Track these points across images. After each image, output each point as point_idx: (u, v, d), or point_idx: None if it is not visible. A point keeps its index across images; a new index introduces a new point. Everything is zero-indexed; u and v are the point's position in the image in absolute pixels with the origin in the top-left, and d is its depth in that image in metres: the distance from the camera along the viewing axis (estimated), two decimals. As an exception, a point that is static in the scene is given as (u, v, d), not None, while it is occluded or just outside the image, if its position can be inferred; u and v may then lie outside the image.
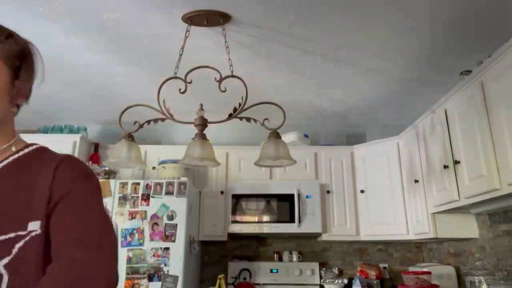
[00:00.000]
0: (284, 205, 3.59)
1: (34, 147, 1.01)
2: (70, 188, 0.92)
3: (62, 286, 0.81)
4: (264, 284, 3.73)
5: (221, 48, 2.57)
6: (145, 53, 2.71)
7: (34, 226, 0.87)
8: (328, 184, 3.73)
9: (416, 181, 3.19)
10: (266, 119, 2.21)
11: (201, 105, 2.32)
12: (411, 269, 3.43)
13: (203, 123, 2.23)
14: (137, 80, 3.13)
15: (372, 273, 3.59)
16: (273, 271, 3.77)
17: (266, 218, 3.57)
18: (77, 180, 0.94)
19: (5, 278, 0.81)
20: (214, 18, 2.28)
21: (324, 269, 3.75)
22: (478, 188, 2.33)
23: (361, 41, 2.57)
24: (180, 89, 2.14)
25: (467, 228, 2.98)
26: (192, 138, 2.25)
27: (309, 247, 3.94)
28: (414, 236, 3.30)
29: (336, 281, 3.53)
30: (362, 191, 3.65)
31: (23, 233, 0.87)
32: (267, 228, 3.56)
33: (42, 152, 1.01)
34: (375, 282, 3.53)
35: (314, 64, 2.87)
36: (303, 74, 3.04)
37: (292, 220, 3.53)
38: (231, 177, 3.73)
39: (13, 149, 0.98)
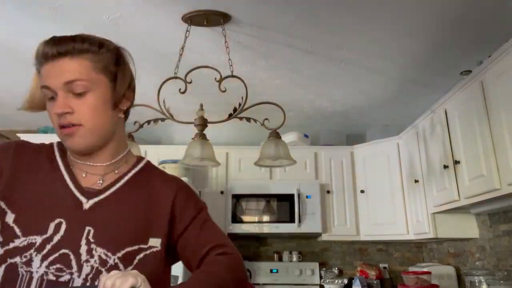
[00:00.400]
0: (284, 205, 3.59)
1: (145, 161, 1.08)
2: (196, 212, 1.03)
3: (224, 268, 0.93)
4: (264, 284, 3.73)
5: (221, 48, 2.57)
6: (145, 53, 2.71)
7: (155, 243, 0.96)
8: (328, 184, 3.73)
9: (416, 181, 3.19)
10: (266, 119, 2.21)
11: (201, 105, 2.32)
12: (411, 269, 3.44)
13: (203, 123, 2.23)
14: (137, 80, 3.12)
15: (372, 273, 3.59)
16: (273, 271, 3.77)
17: (266, 218, 3.57)
18: (198, 205, 1.06)
19: None
20: (214, 18, 2.28)
21: (324, 269, 3.75)
22: (478, 188, 2.33)
23: (361, 41, 2.57)
24: (180, 89, 2.14)
25: (467, 228, 2.98)
26: (192, 138, 2.25)
27: (309, 247, 3.94)
28: (414, 236, 3.30)
29: (336, 281, 3.53)
30: (362, 191, 3.65)
31: (145, 246, 0.94)
32: (267, 228, 3.56)
33: (152, 167, 1.09)
34: (375, 282, 3.53)
35: (314, 64, 2.87)
36: (303, 74, 3.04)
37: (292, 220, 3.53)
38: (231, 177, 3.73)
39: (126, 162, 1.03)
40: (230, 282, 0.92)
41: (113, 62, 0.99)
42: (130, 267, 0.89)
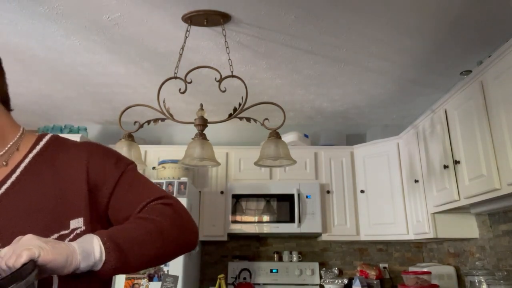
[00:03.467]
0: (284, 205, 3.59)
1: (47, 138, 0.94)
2: (119, 175, 0.91)
3: (168, 219, 0.86)
4: (264, 284, 3.73)
5: (221, 48, 2.57)
6: (145, 53, 2.71)
7: (77, 224, 0.85)
8: (328, 184, 3.73)
9: (416, 181, 3.19)
10: (266, 119, 2.21)
11: (201, 105, 2.32)
12: (411, 269, 3.43)
13: (203, 123, 2.23)
14: (137, 80, 3.13)
15: (372, 273, 3.59)
16: (273, 271, 3.77)
17: (266, 218, 3.57)
18: (119, 166, 0.93)
19: (55, 280, 0.77)
20: (214, 18, 2.28)
21: (324, 269, 3.75)
22: (478, 188, 2.33)
23: (361, 41, 2.57)
24: (180, 89, 2.14)
25: (467, 228, 2.98)
26: (192, 138, 2.25)
27: (309, 247, 3.94)
28: (414, 236, 3.30)
29: (336, 281, 3.53)
30: (362, 191, 3.65)
31: (66, 231, 0.84)
32: (267, 228, 3.56)
33: (57, 141, 0.95)
34: (375, 282, 3.53)
35: (314, 64, 2.87)
36: (303, 74, 3.04)
37: (292, 220, 3.53)
38: (231, 177, 3.73)
39: (18, 149, 0.90)
40: (172, 229, 0.85)
41: None
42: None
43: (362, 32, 2.46)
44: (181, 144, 3.76)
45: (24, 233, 0.75)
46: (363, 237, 3.60)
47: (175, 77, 2.21)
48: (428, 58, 2.79)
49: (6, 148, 0.88)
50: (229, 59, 2.35)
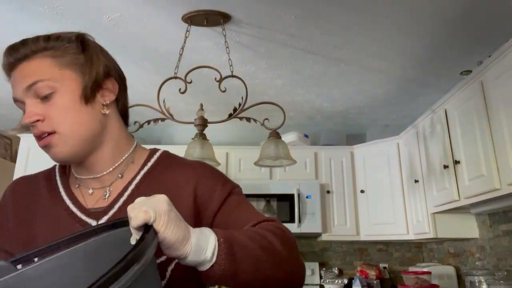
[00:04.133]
0: (284, 205, 3.59)
1: (158, 154, 0.93)
2: (224, 197, 0.87)
3: (280, 240, 0.77)
4: (264, 284, 3.73)
5: (221, 48, 2.57)
6: (145, 53, 2.71)
7: None
8: (328, 184, 3.73)
9: (416, 181, 3.19)
10: (266, 119, 2.21)
11: (201, 105, 2.32)
12: (411, 269, 3.44)
13: (203, 123, 2.23)
14: (137, 80, 3.13)
15: (372, 273, 3.59)
16: (273, 271, 3.77)
17: (266, 218, 3.57)
18: (225, 188, 0.89)
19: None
20: (214, 18, 2.28)
21: (324, 269, 3.75)
22: (478, 188, 2.33)
23: (361, 41, 2.57)
24: (180, 89, 2.14)
25: (467, 228, 2.98)
26: (192, 138, 2.25)
27: (309, 247, 3.94)
28: (414, 236, 3.30)
29: (336, 281, 3.53)
30: (362, 191, 3.65)
31: None
32: (267, 228, 3.55)
33: (167, 158, 0.93)
34: (375, 282, 3.53)
35: (314, 64, 2.87)
36: (303, 74, 3.04)
37: (292, 220, 3.53)
38: (231, 177, 3.72)
39: (133, 162, 0.89)
40: (284, 253, 0.76)
41: (78, 53, 0.83)
42: (164, 282, 0.78)
43: (362, 32, 2.46)
44: (181, 144, 3.76)
45: None
46: (363, 237, 3.60)
47: (175, 77, 2.21)
48: (428, 58, 2.79)
49: (121, 160, 0.88)
50: (229, 59, 2.35)
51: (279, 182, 3.70)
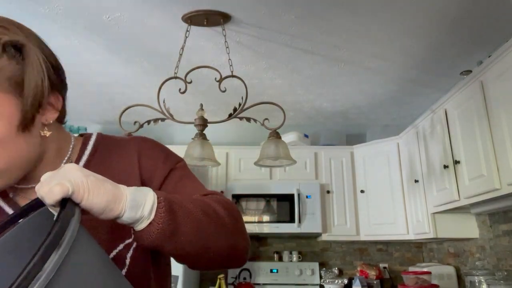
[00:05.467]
0: (284, 205, 3.59)
1: (94, 138, 0.86)
2: (168, 170, 0.83)
3: (224, 209, 0.74)
4: (264, 284, 3.73)
5: (221, 48, 2.57)
6: (145, 53, 2.71)
7: None
8: (328, 184, 3.73)
9: (416, 181, 3.19)
10: (266, 119, 2.21)
11: (201, 105, 2.32)
12: (411, 269, 3.44)
13: (203, 123, 2.23)
14: (137, 80, 3.13)
15: (372, 273, 3.59)
16: (273, 271, 3.77)
17: (266, 218, 3.57)
18: (169, 160, 0.85)
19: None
20: (214, 18, 2.28)
21: (324, 269, 3.75)
22: (478, 188, 2.33)
23: (361, 41, 2.57)
24: (180, 89, 2.14)
25: (467, 228, 2.98)
26: (192, 138, 2.25)
27: (309, 247, 3.94)
28: (414, 236, 3.30)
29: (336, 281, 3.53)
30: (362, 191, 3.65)
31: (130, 240, 0.77)
32: (267, 228, 3.56)
33: (103, 141, 0.86)
34: (375, 282, 3.53)
35: (314, 64, 2.87)
36: (303, 74, 3.04)
37: (292, 220, 3.53)
38: (231, 177, 3.73)
39: (70, 158, 0.81)
40: (226, 218, 0.73)
41: (12, 67, 0.65)
42: (124, 270, 0.74)
43: (362, 32, 2.46)
44: (181, 144, 3.76)
45: None
46: (363, 237, 3.60)
47: (175, 77, 2.21)
48: (428, 58, 2.79)
49: (65, 160, 0.80)
50: (229, 59, 2.35)
51: (279, 182, 3.71)
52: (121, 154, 0.84)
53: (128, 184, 0.68)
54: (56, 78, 0.75)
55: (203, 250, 0.69)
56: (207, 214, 0.70)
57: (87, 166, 0.80)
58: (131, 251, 0.76)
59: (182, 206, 0.66)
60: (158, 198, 0.63)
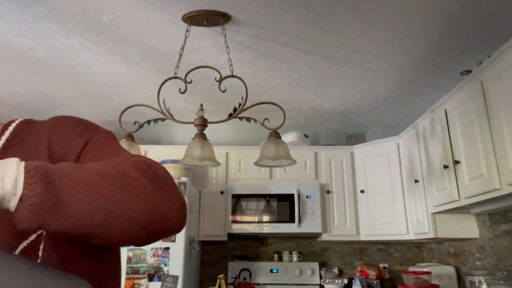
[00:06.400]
0: (284, 205, 3.59)
1: (15, 124, 0.79)
2: (83, 144, 0.74)
3: (139, 171, 0.63)
4: (264, 284, 3.73)
5: (221, 48, 2.57)
6: (145, 53, 2.71)
7: None
8: (328, 184, 3.73)
9: (416, 181, 3.19)
10: (266, 119, 2.21)
11: (201, 105, 2.32)
12: (411, 269, 3.44)
13: (203, 123, 2.23)
14: (137, 80, 3.13)
15: (372, 273, 3.59)
16: (273, 271, 3.77)
17: (266, 218, 3.57)
18: (85, 134, 0.76)
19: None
20: (214, 18, 2.28)
21: (324, 269, 3.75)
22: (478, 188, 2.33)
23: (361, 41, 2.57)
24: (180, 89, 2.14)
25: (467, 228, 2.98)
26: (192, 138, 2.25)
27: (309, 247, 3.94)
28: (414, 236, 3.30)
29: (336, 281, 3.53)
30: (362, 191, 3.65)
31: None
32: (267, 228, 3.56)
33: (29, 124, 0.80)
34: (375, 282, 3.53)
35: (314, 64, 2.87)
36: (303, 74, 3.04)
37: (292, 220, 3.53)
38: (231, 177, 3.73)
39: None
40: (139, 177, 0.63)
41: None
42: (39, 261, 0.65)
43: (362, 32, 2.46)
44: (181, 144, 3.77)
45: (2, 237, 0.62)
46: (363, 237, 3.60)
47: (175, 77, 2.21)
48: (428, 58, 2.79)
49: None
50: (229, 59, 2.35)
51: (279, 182, 3.71)
52: (35, 135, 0.76)
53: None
54: None
55: (110, 219, 0.57)
56: (107, 176, 0.59)
57: (3, 151, 0.74)
58: (42, 244, 0.65)
59: (65, 173, 0.55)
60: (26, 167, 0.53)
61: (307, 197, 3.59)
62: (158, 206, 0.62)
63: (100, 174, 0.58)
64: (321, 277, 3.71)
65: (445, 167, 2.70)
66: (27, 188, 0.51)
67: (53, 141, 0.74)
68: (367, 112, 3.84)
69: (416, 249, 3.91)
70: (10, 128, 0.78)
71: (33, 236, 0.65)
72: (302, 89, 3.31)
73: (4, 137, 0.75)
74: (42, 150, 0.72)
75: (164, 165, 3.48)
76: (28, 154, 0.71)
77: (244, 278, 3.73)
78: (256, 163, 2.31)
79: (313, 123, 4.13)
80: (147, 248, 3.03)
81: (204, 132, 2.25)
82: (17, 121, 0.79)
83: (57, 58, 2.75)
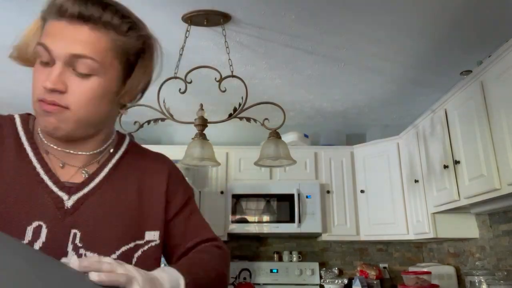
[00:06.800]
0: (284, 205, 3.59)
1: (127, 141, 0.93)
2: (186, 199, 0.95)
3: (225, 266, 0.91)
4: (264, 284, 3.73)
5: (221, 48, 2.57)
6: (145, 53, 2.71)
7: (153, 236, 0.85)
8: (328, 184, 3.73)
9: (416, 181, 3.19)
10: (266, 119, 2.21)
11: (201, 105, 2.32)
12: (411, 269, 3.44)
13: (203, 123, 2.23)
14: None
15: (372, 273, 3.59)
16: (273, 271, 3.77)
17: (266, 218, 3.57)
18: (188, 190, 0.97)
19: None
20: (214, 18, 2.28)
21: (324, 269, 3.75)
22: (478, 188, 2.33)
23: (361, 41, 2.57)
24: (180, 89, 2.14)
25: (467, 228, 2.98)
26: (192, 138, 2.25)
27: (309, 247, 3.94)
28: (414, 236, 3.30)
29: (336, 281, 3.53)
30: (362, 191, 3.65)
31: (141, 242, 0.83)
32: (267, 228, 3.56)
33: (136, 146, 0.96)
34: (375, 282, 3.53)
35: (314, 64, 2.87)
36: (303, 74, 3.04)
37: (292, 220, 3.53)
38: (231, 177, 3.73)
39: (111, 150, 0.88)
40: (226, 271, 0.91)
41: (136, 51, 0.82)
42: None
43: (362, 32, 2.46)
44: (181, 144, 3.76)
45: (103, 236, 0.77)
46: (363, 237, 3.60)
47: (175, 77, 2.21)
48: (428, 58, 2.79)
49: (104, 147, 0.86)
50: (229, 59, 2.35)
51: (279, 182, 3.71)
52: (151, 164, 0.92)
53: (152, 189, 0.87)
54: (147, 86, 0.87)
55: None
56: (219, 277, 0.85)
57: (118, 162, 0.87)
58: (139, 252, 0.81)
59: (202, 284, 0.78)
60: (186, 281, 0.72)
61: (307, 197, 3.59)
62: (227, 283, 0.93)
63: (215, 277, 0.84)
64: (321, 277, 3.71)
65: (445, 167, 2.70)
66: None
67: (169, 187, 0.91)
68: (367, 112, 3.83)
69: (416, 249, 3.91)
70: (125, 144, 0.92)
71: (131, 244, 0.81)
72: (302, 89, 3.31)
73: (122, 149, 0.90)
74: (161, 182, 0.90)
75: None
76: (146, 175, 0.89)
77: (244, 278, 3.73)
78: (256, 163, 2.31)
79: (313, 123, 4.12)
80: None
81: (204, 132, 2.25)
82: (128, 138, 0.95)
83: (57, 58, 2.75)
